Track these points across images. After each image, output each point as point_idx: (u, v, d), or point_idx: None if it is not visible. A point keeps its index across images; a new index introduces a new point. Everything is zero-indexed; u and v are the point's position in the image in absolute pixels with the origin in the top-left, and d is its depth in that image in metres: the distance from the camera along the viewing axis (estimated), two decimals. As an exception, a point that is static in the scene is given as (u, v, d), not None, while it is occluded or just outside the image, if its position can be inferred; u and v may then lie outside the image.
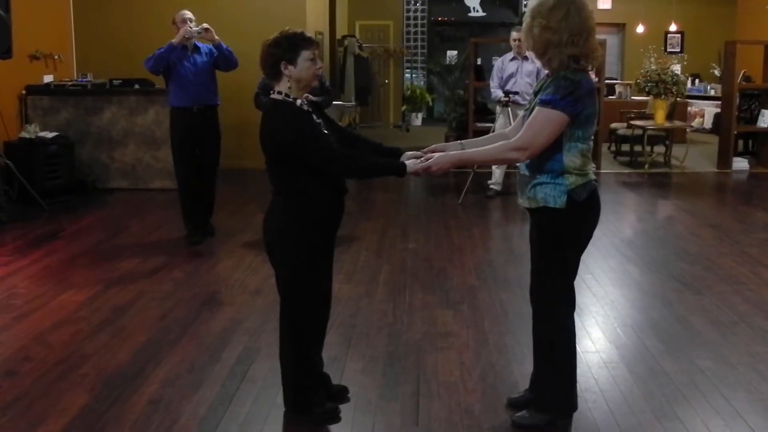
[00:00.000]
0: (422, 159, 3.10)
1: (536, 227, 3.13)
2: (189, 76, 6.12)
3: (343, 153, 3.08)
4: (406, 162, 3.09)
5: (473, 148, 3.23)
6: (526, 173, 3.08)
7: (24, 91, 8.53)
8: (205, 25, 6.11)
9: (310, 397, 3.26)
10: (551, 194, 2.98)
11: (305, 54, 3.03)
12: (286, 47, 3.03)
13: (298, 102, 3.09)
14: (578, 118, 2.93)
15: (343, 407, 3.39)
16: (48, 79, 8.81)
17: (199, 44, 6.27)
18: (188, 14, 6.18)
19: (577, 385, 3.28)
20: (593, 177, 3.07)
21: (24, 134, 8.00)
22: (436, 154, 3.10)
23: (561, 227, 3.03)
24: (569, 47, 2.91)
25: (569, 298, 3.17)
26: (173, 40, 6.04)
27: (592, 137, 3.11)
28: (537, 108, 2.96)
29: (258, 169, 9.25)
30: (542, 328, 3.20)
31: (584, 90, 2.92)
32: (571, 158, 2.97)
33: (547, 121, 2.92)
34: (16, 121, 8.38)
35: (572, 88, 2.90)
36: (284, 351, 3.24)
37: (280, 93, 3.08)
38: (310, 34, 3.11)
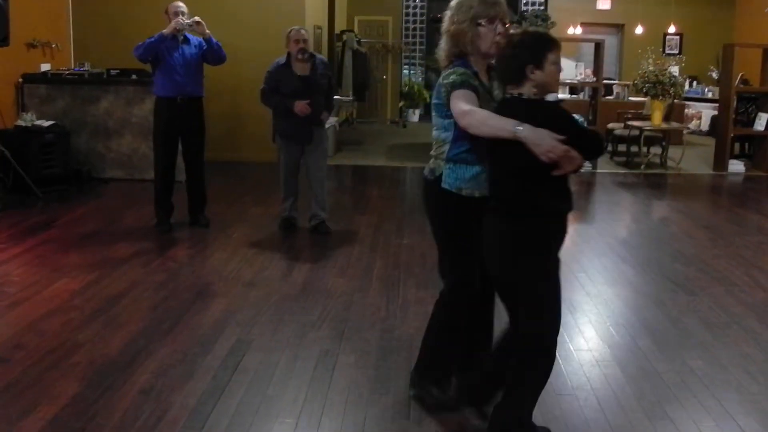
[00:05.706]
0: None
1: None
2: (176, 67, 6.15)
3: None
4: None
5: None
6: None
7: (21, 79, 8.50)
8: (197, 18, 6.15)
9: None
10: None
11: (552, 57, 2.77)
12: (534, 49, 2.78)
13: (551, 96, 2.95)
14: None
15: (334, 400, 3.40)
16: (45, 67, 8.77)
17: (190, 36, 6.29)
18: (181, 6, 6.21)
19: (569, 382, 3.25)
20: None
21: (20, 122, 7.97)
22: None
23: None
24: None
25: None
26: (164, 31, 6.07)
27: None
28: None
29: (252, 161, 9.33)
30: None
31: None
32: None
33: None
34: (12, 109, 8.34)
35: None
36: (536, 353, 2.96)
37: (521, 95, 2.83)
38: (553, 35, 2.93)
